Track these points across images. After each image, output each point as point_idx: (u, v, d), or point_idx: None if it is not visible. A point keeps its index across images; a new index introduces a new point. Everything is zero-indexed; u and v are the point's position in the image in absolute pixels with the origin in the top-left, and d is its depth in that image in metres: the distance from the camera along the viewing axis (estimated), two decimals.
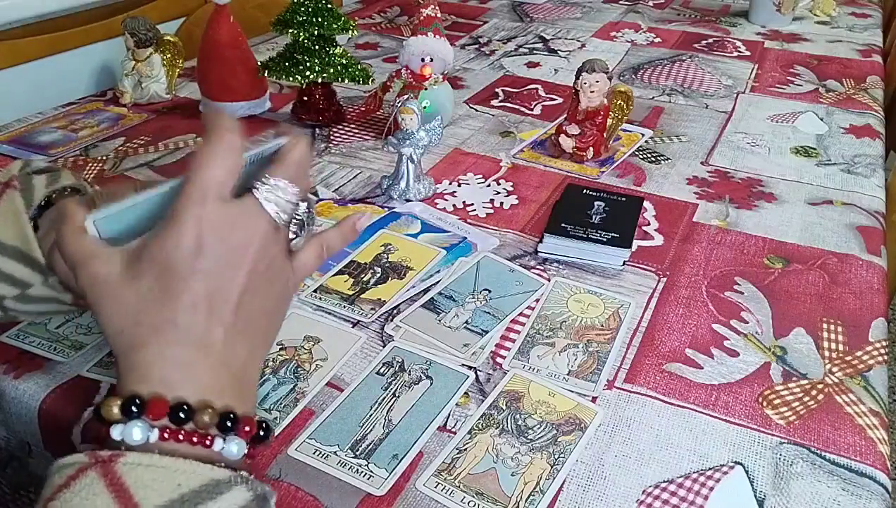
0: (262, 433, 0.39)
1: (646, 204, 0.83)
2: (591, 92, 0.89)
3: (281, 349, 0.60)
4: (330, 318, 0.65)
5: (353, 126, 1.02)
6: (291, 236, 0.43)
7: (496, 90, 1.16)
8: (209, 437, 0.36)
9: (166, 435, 0.36)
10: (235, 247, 0.39)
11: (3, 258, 0.47)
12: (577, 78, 0.89)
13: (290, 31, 0.93)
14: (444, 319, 0.65)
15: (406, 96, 0.83)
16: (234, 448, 0.37)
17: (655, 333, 0.64)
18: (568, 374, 0.59)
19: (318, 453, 0.51)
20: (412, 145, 0.81)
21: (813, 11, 1.58)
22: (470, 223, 0.79)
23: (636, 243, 0.75)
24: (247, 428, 0.38)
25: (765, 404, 0.57)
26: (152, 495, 0.33)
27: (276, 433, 0.53)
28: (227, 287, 0.39)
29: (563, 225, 0.75)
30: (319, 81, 0.97)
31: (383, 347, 0.61)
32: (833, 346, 0.63)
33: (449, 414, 0.55)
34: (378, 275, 0.70)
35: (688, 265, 0.73)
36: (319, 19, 0.93)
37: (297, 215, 0.42)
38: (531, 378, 0.58)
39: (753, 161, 0.94)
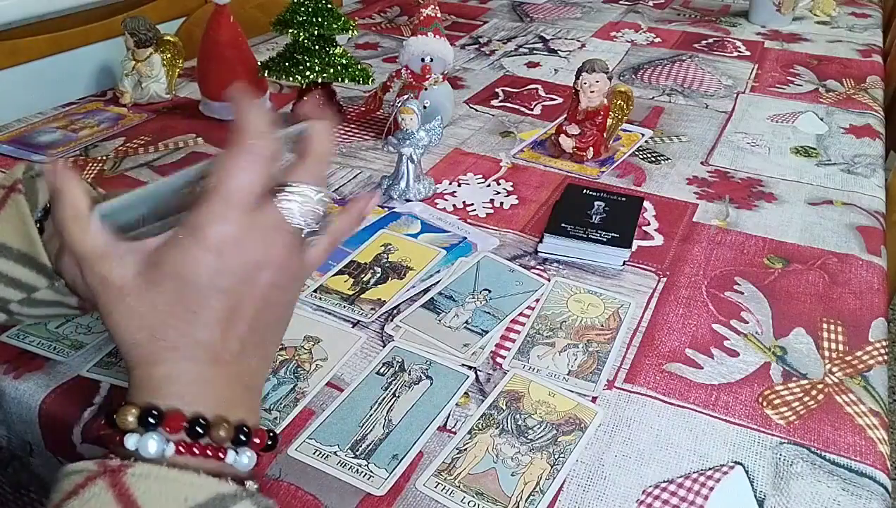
0: (269, 442, 0.39)
1: (646, 204, 0.83)
2: (591, 92, 0.89)
3: (281, 349, 0.60)
4: (330, 318, 0.65)
5: (353, 126, 1.02)
6: (310, 234, 0.41)
7: (496, 90, 1.16)
8: (222, 450, 0.36)
9: (182, 449, 0.35)
10: (258, 262, 0.38)
11: (9, 263, 0.46)
12: (577, 78, 0.89)
13: (290, 31, 0.93)
14: (444, 319, 0.65)
15: (406, 96, 0.83)
16: (245, 459, 0.37)
17: (655, 333, 0.64)
18: (568, 374, 0.59)
19: (318, 453, 0.51)
20: (412, 145, 0.81)
21: (813, 11, 1.58)
22: (470, 223, 0.79)
23: (636, 243, 0.75)
24: (257, 440, 0.38)
25: (765, 404, 0.57)
26: None
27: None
28: (246, 303, 0.38)
29: (563, 225, 0.75)
30: (319, 80, 0.97)
31: (383, 347, 0.61)
32: (833, 346, 0.63)
33: (449, 414, 0.55)
34: (378, 275, 0.70)
35: (688, 265, 0.73)
36: (319, 19, 0.93)
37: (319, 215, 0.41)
38: (531, 378, 0.58)
39: (753, 161, 0.94)
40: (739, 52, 1.35)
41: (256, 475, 0.38)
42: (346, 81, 0.97)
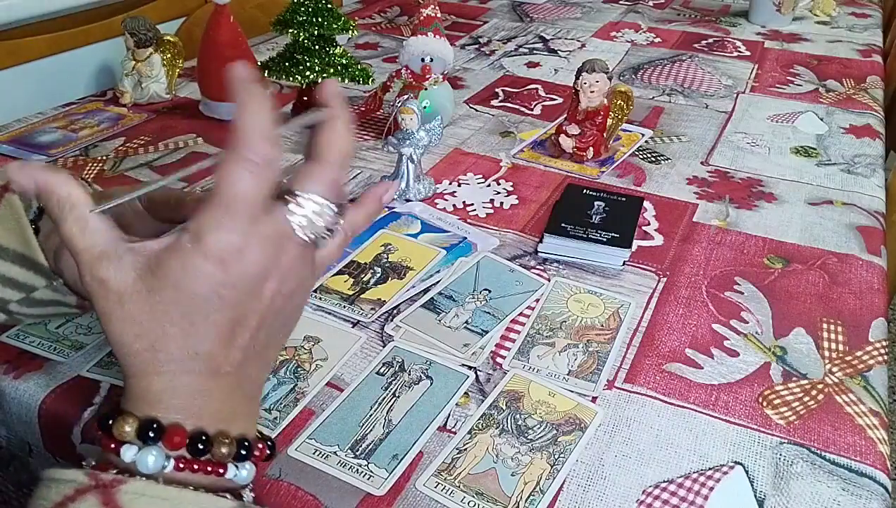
0: (268, 452, 0.39)
1: (646, 204, 0.83)
2: (591, 92, 0.89)
3: (281, 349, 0.60)
4: (330, 318, 0.65)
5: (352, 126, 1.02)
6: (321, 241, 0.38)
7: (496, 90, 1.16)
8: (223, 466, 0.35)
9: (181, 465, 0.34)
10: (262, 273, 0.35)
11: (6, 263, 0.46)
12: (577, 78, 0.89)
13: (290, 31, 0.93)
14: (444, 319, 0.65)
15: (406, 96, 0.83)
16: (245, 473, 0.36)
17: (655, 333, 0.64)
18: (568, 374, 0.59)
19: (318, 453, 0.51)
20: (412, 145, 0.81)
21: (813, 11, 1.58)
22: (470, 223, 0.79)
23: (636, 243, 0.75)
24: (258, 453, 0.37)
25: (765, 404, 0.57)
26: None
27: (276, 435, 0.53)
28: (249, 314, 0.36)
29: (563, 225, 0.75)
30: (319, 81, 0.97)
31: (383, 347, 0.61)
32: (833, 346, 0.63)
33: (449, 414, 0.55)
34: (378, 275, 0.70)
35: (688, 265, 0.73)
36: (319, 19, 0.93)
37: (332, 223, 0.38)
38: (531, 378, 0.58)
39: (753, 161, 0.94)
40: (739, 52, 1.35)
41: (256, 476, 0.38)
42: (346, 80, 0.97)
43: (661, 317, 0.66)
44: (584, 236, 0.73)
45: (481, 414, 0.55)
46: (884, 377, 0.60)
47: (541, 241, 0.74)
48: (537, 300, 0.67)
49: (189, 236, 0.34)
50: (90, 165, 0.91)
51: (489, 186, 0.87)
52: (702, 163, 0.94)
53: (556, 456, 0.51)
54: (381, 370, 0.59)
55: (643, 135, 1.00)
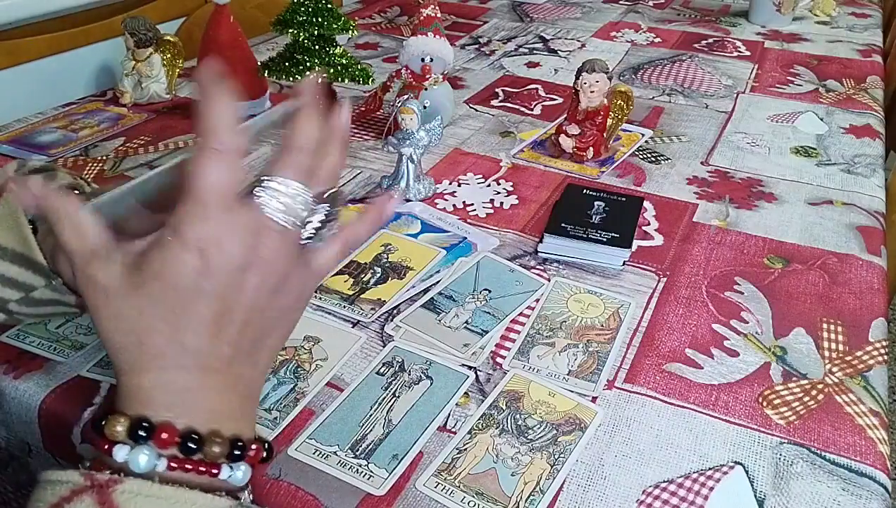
0: (265, 454, 0.38)
1: (646, 204, 0.83)
2: (591, 92, 0.89)
3: (281, 349, 0.60)
4: (330, 318, 0.65)
5: (353, 126, 1.02)
6: (308, 236, 0.38)
7: (496, 90, 1.16)
8: (216, 466, 0.35)
9: (174, 465, 0.34)
10: (242, 264, 0.36)
11: (4, 263, 0.46)
12: (577, 78, 0.89)
13: (290, 31, 0.93)
14: (444, 319, 0.65)
15: (406, 96, 0.83)
16: (240, 474, 0.36)
17: (655, 333, 0.64)
18: (568, 374, 0.59)
19: (318, 453, 0.51)
20: (412, 145, 0.81)
21: (813, 11, 1.58)
22: (470, 223, 0.79)
23: (636, 243, 0.75)
24: (253, 454, 0.37)
25: (765, 404, 0.57)
26: None
27: (276, 435, 0.53)
28: (233, 307, 0.36)
29: (563, 225, 0.75)
30: (319, 81, 0.97)
31: (383, 347, 0.61)
32: (833, 346, 0.63)
33: (449, 414, 0.55)
34: (378, 275, 0.70)
35: (688, 265, 0.73)
36: (319, 19, 0.93)
37: (315, 214, 0.38)
38: (531, 378, 0.58)
39: (753, 161, 0.94)
40: (739, 52, 1.35)
41: (255, 476, 0.38)
42: (346, 81, 0.97)
43: (661, 317, 0.66)
44: (584, 236, 0.73)
45: (481, 414, 0.55)
46: (884, 377, 0.60)
47: (541, 241, 0.74)
48: (537, 300, 0.67)
49: (169, 230, 0.35)
50: (90, 165, 0.91)
51: (489, 186, 0.87)
52: (702, 163, 0.94)
53: (556, 456, 0.51)
54: (381, 370, 0.59)
55: (643, 135, 1.00)
